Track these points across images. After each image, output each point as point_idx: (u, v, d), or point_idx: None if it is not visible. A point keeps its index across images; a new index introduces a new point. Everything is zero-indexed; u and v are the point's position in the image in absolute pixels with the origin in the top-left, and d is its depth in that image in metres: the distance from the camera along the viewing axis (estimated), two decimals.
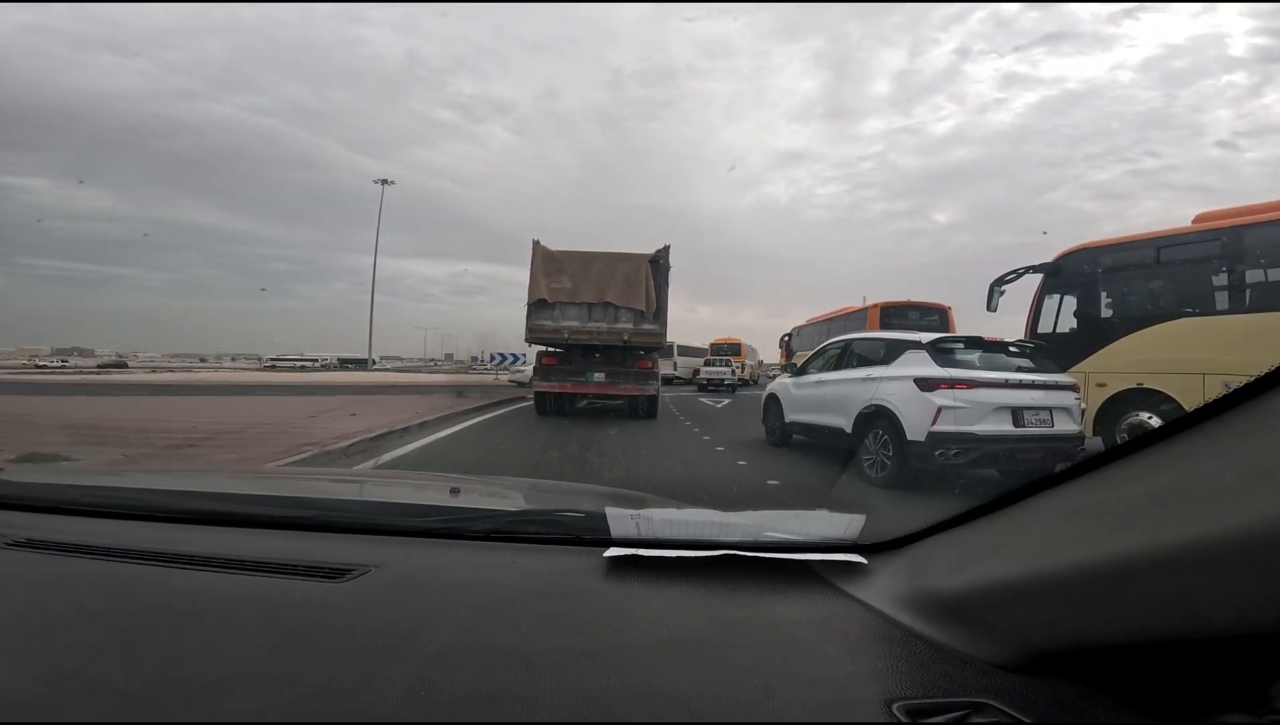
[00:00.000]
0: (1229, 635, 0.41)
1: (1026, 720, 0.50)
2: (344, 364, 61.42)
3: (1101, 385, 6.61)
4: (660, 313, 10.08)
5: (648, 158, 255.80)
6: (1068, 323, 7.27)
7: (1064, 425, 4.89)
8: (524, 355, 20.10)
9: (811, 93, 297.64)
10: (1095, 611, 0.48)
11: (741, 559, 0.81)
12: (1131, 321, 6.60)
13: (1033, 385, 4.85)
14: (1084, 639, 0.51)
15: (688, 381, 25.90)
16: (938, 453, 4.76)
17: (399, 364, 69.98)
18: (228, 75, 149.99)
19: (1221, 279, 6.10)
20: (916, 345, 5.36)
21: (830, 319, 17.48)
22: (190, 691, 0.54)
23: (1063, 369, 6.45)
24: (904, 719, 0.51)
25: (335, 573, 0.77)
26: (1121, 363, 6.52)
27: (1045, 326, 7.38)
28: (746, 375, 25.66)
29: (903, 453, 5.02)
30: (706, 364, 24.69)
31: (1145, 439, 0.48)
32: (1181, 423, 0.45)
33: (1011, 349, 5.40)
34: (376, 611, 0.69)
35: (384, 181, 51.67)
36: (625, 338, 9.94)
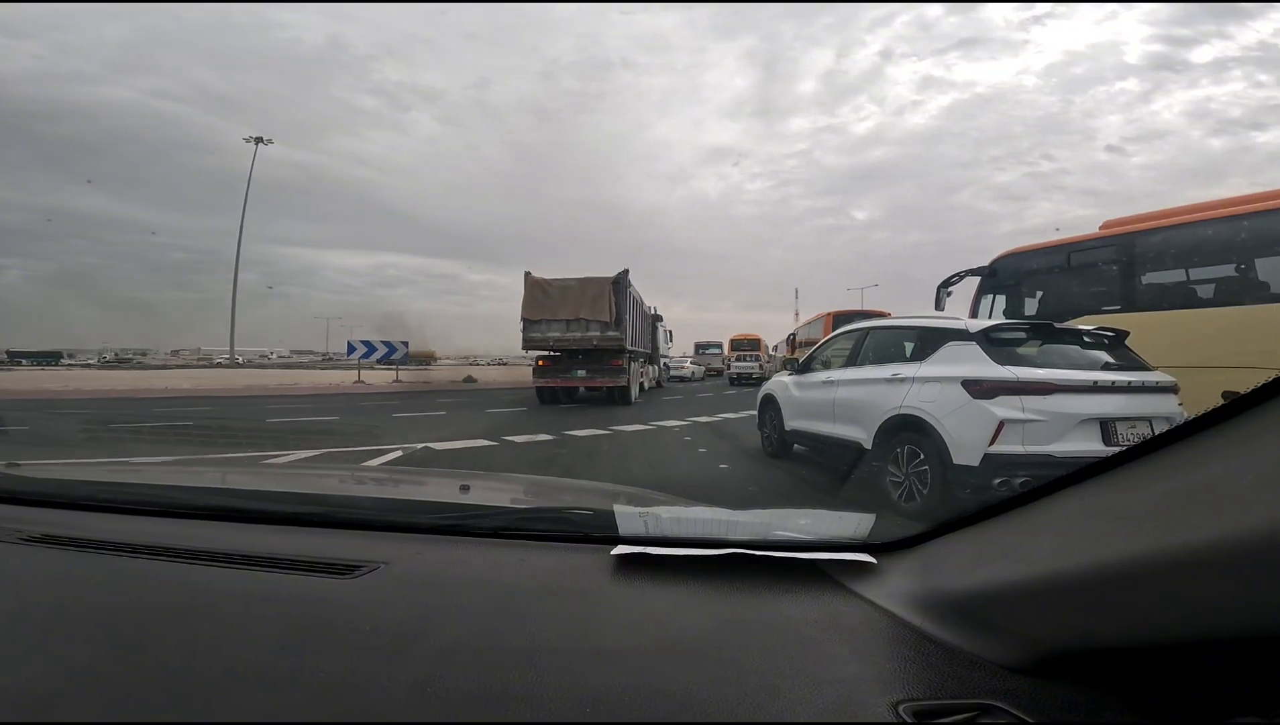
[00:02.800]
0: (1242, 637, 0.41)
1: (1035, 722, 0.50)
2: (15, 359, 40.78)
3: None
4: (620, 322, 12.64)
5: (580, 151, 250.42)
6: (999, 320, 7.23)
7: None
8: (400, 346, 19.01)
9: (743, 90, 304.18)
10: (1108, 613, 0.48)
11: (750, 558, 0.80)
12: (1047, 318, 6.69)
13: (1128, 388, 3.64)
14: (1095, 641, 0.50)
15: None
16: (998, 482, 3.44)
17: (305, 359, 56.32)
18: (128, 58, 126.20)
19: (1118, 280, 6.46)
20: (963, 334, 3.96)
21: (809, 323, 18.11)
22: (202, 687, 0.54)
23: None
24: (911, 720, 0.50)
25: (345, 569, 0.77)
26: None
27: None
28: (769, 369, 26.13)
29: (945, 478, 3.66)
30: (738, 359, 25.08)
31: (1161, 440, 0.47)
32: (1198, 423, 0.44)
33: (1087, 338, 4.07)
34: (385, 608, 0.69)
35: (258, 140, 43.80)
36: (595, 342, 12.58)
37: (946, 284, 7.93)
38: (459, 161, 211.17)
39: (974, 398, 3.61)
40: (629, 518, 0.94)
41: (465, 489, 1.27)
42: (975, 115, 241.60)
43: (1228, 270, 5.64)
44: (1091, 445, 3.41)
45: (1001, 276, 7.58)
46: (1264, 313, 5.06)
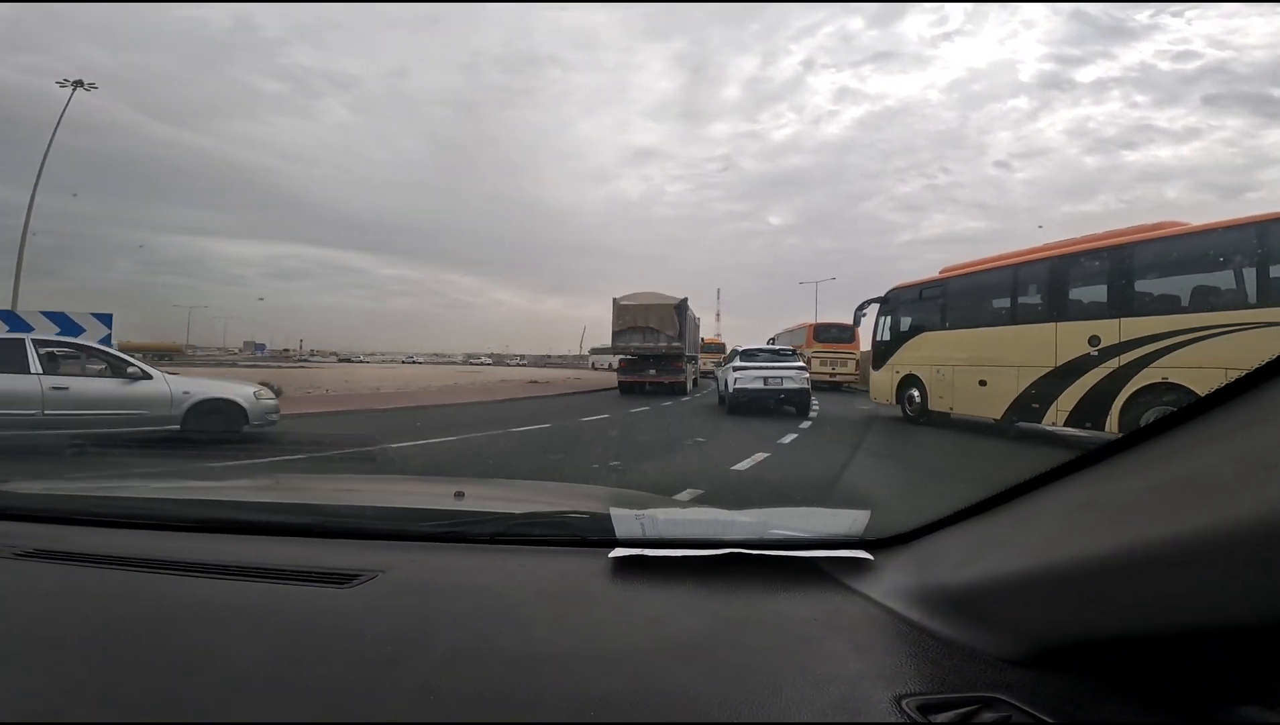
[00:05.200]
0: (1238, 627, 0.41)
1: (1036, 714, 0.50)
2: None
3: (898, 371, 11.66)
4: (682, 336, 17.24)
5: (502, 146, 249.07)
6: (888, 334, 12.27)
7: (790, 384, 10.85)
8: (95, 323, 13.31)
9: (669, 92, 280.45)
10: (1103, 604, 0.48)
11: (747, 557, 0.81)
12: (908, 333, 11.49)
13: (772, 367, 10.92)
14: (1092, 632, 0.50)
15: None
16: (736, 397, 10.88)
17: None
18: (10, 34, 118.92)
19: (942, 309, 10.35)
20: (739, 352, 11.67)
21: (792, 331, 23.44)
22: (200, 699, 0.55)
23: (882, 363, 12.15)
24: (914, 715, 0.50)
25: (343, 578, 0.77)
26: (903, 358, 11.57)
27: (880, 336, 12.37)
28: None
29: (728, 396, 11.23)
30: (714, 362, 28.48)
31: (1149, 431, 0.48)
32: (1184, 414, 0.45)
33: (780, 352, 11.60)
34: (384, 616, 0.70)
35: (76, 83, 36.28)
36: (663, 350, 17.29)
37: (860, 308, 12.19)
38: (371, 151, 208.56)
39: (734, 371, 11.15)
40: (625, 520, 0.96)
41: (460, 496, 1.24)
42: (884, 127, 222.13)
43: (1002, 303, 8.99)
44: (760, 386, 10.73)
45: (890, 304, 11.52)
46: (1021, 331, 8.48)
